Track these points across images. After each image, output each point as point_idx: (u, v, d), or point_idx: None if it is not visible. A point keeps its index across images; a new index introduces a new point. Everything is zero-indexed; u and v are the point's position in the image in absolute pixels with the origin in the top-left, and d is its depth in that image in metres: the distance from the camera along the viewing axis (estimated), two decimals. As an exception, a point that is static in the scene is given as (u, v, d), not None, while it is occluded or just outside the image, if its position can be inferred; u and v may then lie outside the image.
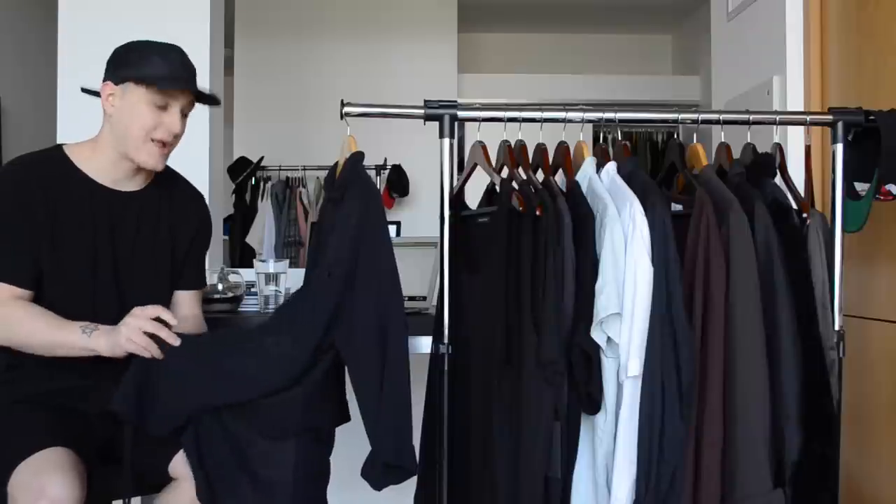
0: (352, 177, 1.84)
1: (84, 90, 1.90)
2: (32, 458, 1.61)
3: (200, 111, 3.01)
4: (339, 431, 1.87)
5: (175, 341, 1.73)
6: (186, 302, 2.02)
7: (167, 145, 1.85)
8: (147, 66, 1.80)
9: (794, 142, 2.71)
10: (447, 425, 1.87)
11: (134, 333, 1.71)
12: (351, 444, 1.90)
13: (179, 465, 1.77)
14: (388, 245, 1.77)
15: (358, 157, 1.86)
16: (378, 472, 1.72)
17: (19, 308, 1.76)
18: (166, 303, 1.95)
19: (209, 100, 1.91)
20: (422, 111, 1.94)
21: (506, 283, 1.80)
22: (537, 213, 1.80)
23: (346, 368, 1.79)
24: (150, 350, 1.71)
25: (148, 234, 1.92)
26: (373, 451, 1.73)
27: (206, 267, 2.76)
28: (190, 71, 1.88)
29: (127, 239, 1.89)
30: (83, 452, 1.69)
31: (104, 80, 1.84)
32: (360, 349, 1.73)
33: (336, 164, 1.94)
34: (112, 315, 1.81)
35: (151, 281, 1.93)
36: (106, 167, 1.86)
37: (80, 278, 1.83)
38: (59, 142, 1.99)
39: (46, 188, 1.81)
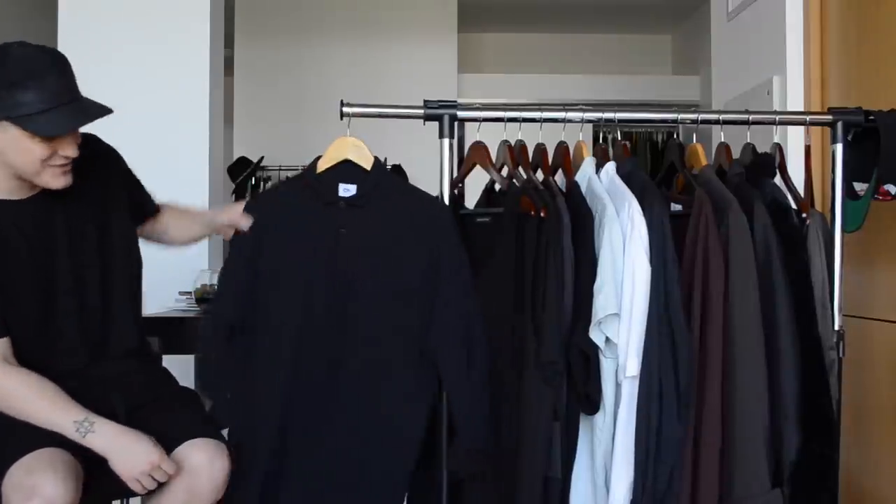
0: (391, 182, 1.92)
1: None
2: (26, 457, 1.61)
3: (201, 112, 3.03)
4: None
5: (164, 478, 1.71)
6: (162, 218, 2.02)
7: (67, 163, 1.71)
8: (23, 100, 1.59)
9: (794, 142, 2.70)
10: (447, 425, 1.87)
11: (145, 478, 1.68)
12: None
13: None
14: (461, 246, 1.87)
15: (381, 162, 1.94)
16: (463, 459, 1.82)
17: (11, 380, 1.69)
18: (131, 274, 1.92)
19: (101, 114, 1.70)
20: (422, 111, 1.94)
21: (509, 284, 1.80)
22: (542, 214, 1.80)
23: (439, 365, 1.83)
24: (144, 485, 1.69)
25: (83, 215, 1.84)
26: (462, 438, 1.81)
27: (206, 267, 2.78)
28: (72, 89, 1.67)
29: (64, 235, 1.81)
30: (80, 453, 1.69)
31: None
32: (451, 346, 1.82)
33: (316, 160, 1.93)
34: (78, 317, 1.80)
35: (109, 259, 1.87)
36: (12, 186, 1.75)
37: (37, 297, 1.78)
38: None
39: None
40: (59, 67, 1.66)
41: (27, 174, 1.71)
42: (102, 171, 1.88)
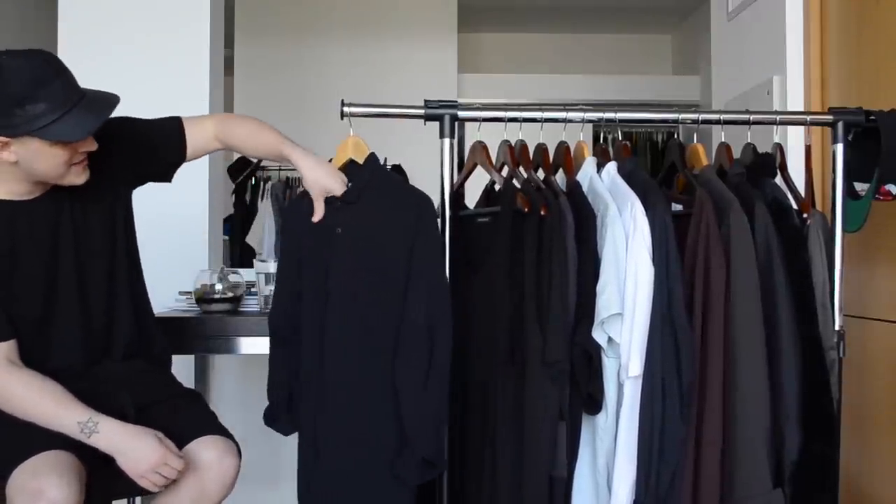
0: (381, 177, 1.92)
1: None
2: (31, 460, 1.61)
3: (201, 112, 3.02)
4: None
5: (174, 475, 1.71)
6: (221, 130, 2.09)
7: (86, 158, 1.76)
8: (37, 111, 1.60)
9: (795, 142, 2.71)
10: (448, 425, 1.87)
11: (152, 475, 1.68)
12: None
13: None
14: (440, 246, 1.85)
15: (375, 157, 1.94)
16: (414, 468, 1.78)
17: (16, 382, 1.69)
18: (135, 272, 1.95)
19: (112, 106, 1.71)
20: (422, 111, 1.94)
21: (509, 283, 1.80)
22: (542, 212, 1.80)
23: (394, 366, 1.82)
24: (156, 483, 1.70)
25: (89, 212, 1.85)
26: (410, 447, 1.78)
27: (206, 267, 2.78)
28: (76, 87, 1.67)
29: (69, 234, 1.81)
30: (84, 455, 1.69)
31: None
32: (408, 348, 1.79)
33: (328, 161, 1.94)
34: (79, 316, 1.81)
35: (113, 258, 1.88)
36: (23, 189, 1.76)
37: (41, 295, 1.79)
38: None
39: None
40: (57, 69, 1.67)
41: (51, 178, 1.73)
42: (105, 158, 1.85)
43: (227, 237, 4.95)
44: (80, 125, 1.66)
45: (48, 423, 1.68)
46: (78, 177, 1.75)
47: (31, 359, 1.75)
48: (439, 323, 1.80)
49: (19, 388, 1.70)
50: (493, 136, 2.04)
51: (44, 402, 1.69)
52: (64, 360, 1.80)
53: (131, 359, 1.91)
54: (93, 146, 1.73)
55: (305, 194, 1.90)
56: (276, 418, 1.95)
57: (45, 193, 1.79)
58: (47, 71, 1.64)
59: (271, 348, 1.96)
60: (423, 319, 1.79)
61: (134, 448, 1.68)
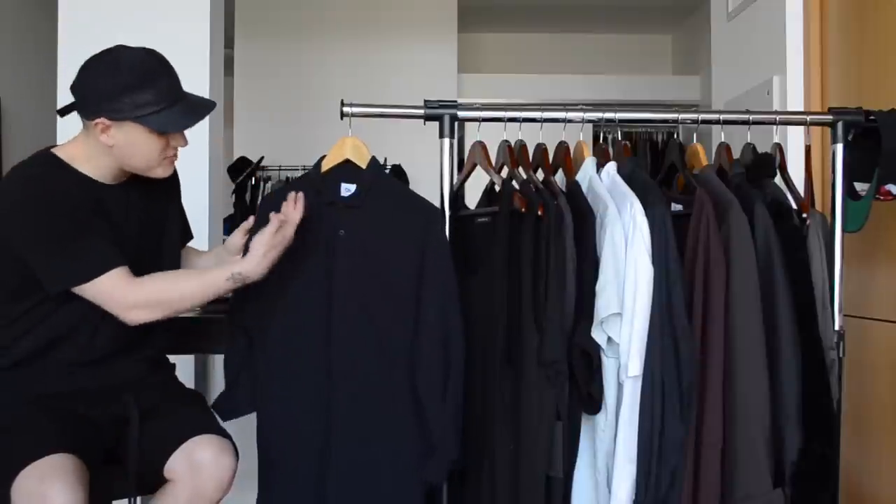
0: (386, 182, 1.92)
1: (63, 111, 1.80)
2: (37, 463, 1.61)
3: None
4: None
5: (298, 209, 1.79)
6: (189, 253, 2.08)
7: (175, 153, 1.85)
8: (141, 101, 1.70)
9: (794, 142, 2.71)
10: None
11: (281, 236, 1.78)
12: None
13: (175, 465, 1.76)
14: (450, 251, 1.85)
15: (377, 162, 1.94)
16: (443, 469, 1.82)
17: (152, 284, 1.77)
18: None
19: (209, 110, 1.83)
20: (422, 111, 1.94)
21: (507, 283, 1.80)
22: (539, 213, 1.80)
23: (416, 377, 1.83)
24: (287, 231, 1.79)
25: (158, 213, 1.93)
26: (440, 451, 1.81)
27: (207, 267, 2.78)
28: (179, 87, 1.78)
29: (133, 228, 1.87)
30: (87, 457, 1.69)
31: (92, 116, 1.72)
32: (428, 358, 1.81)
33: (320, 160, 1.94)
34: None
35: (171, 252, 1.95)
36: (108, 173, 1.82)
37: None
38: (59, 142, 1.97)
39: (67, 199, 1.75)
40: (167, 67, 1.77)
41: (141, 168, 1.81)
42: (171, 184, 1.97)
43: (227, 237, 4.94)
44: (180, 119, 1.76)
45: (205, 295, 1.79)
46: (165, 170, 1.83)
47: (49, 344, 1.77)
48: (453, 326, 1.82)
49: (159, 287, 1.77)
50: (492, 136, 2.04)
51: (190, 282, 1.80)
52: (85, 351, 1.81)
53: (147, 359, 1.92)
54: (185, 142, 1.82)
55: (279, 193, 1.91)
56: (237, 408, 1.96)
57: (119, 185, 1.84)
58: (158, 67, 1.75)
59: (238, 342, 1.95)
60: (438, 324, 1.81)
61: (267, 261, 1.81)
